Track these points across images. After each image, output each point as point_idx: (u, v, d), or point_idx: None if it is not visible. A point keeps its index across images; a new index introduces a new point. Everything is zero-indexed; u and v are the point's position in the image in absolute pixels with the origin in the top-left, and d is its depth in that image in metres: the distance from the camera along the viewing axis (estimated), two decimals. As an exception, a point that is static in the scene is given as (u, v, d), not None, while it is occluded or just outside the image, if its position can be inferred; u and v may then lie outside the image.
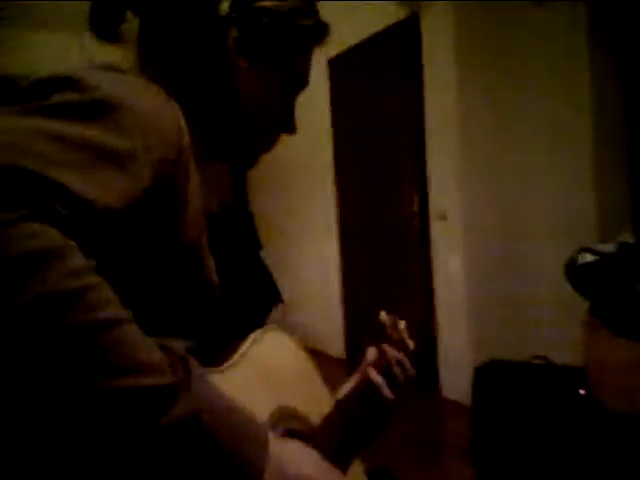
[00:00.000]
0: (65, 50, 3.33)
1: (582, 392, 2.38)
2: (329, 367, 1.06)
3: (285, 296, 4.43)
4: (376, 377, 1.02)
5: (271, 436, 0.64)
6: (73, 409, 0.53)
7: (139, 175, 0.62)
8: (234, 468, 0.59)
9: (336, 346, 4.57)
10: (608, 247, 2.10)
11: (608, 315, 2.07)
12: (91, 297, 0.53)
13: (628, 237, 2.09)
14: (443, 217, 3.59)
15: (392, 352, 1.06)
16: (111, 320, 0.54)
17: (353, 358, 4.22)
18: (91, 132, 0.59)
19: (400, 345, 1.15)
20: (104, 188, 0.58)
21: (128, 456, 0.55)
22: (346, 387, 1.03)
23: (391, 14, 3.74)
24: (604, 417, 2.36)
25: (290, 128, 0.90)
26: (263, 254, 4.48)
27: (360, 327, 4.25)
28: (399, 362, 1.05)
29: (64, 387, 0.52)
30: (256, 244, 4.35)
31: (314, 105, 4.46)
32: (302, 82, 0.89)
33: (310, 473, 0.67)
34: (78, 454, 0.56)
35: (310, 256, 5.06)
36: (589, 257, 2.09)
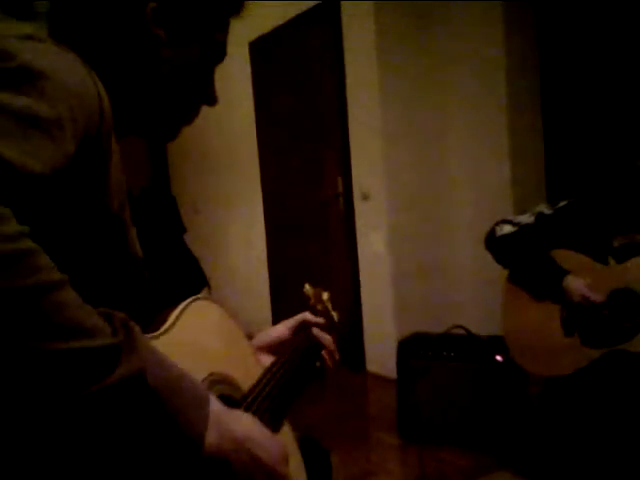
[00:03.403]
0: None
1: (499, 358, 2.51)
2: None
3: (211, 279, 4.41)
4: (325, 336, 1.09)
5: (211, 395, 0.66)
6: (16, 372, 0.53)
7: (65, 142, 0.62)
8: (175, 427, 0.61)
9: (264, 328, 4.59)
10: (526, 218, 2.14)
11: (526, 281, 2.14)
12: (31, 261, 0.54)
13: (544, 208, 2.14)
14: (366, 197, 3.66)
15: (315, 320, 1.12)
16: (52, 283, 0.55)
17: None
18: (16, 100, 0.59)
19: (325, 316, 1.19)
20: (32, 155, 0.58)
21: (73, 418, 0.56)
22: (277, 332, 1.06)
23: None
24: (520, 380, 2.51)
25: (210, 99, 0.91)
26: (187, 238, 4.44)
27: (287, 308, 4.27)
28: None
29: (6, 350, 0.52)
30: (179, 227, 4.28)
31: (237, 88, 4.42)
32: (220, 53, 0.89)
33: (258, 435, 0.70)
34: (22, 418, 0.56)
35: (236, 239, 5.03)
36: (508, 228, 2.13)
